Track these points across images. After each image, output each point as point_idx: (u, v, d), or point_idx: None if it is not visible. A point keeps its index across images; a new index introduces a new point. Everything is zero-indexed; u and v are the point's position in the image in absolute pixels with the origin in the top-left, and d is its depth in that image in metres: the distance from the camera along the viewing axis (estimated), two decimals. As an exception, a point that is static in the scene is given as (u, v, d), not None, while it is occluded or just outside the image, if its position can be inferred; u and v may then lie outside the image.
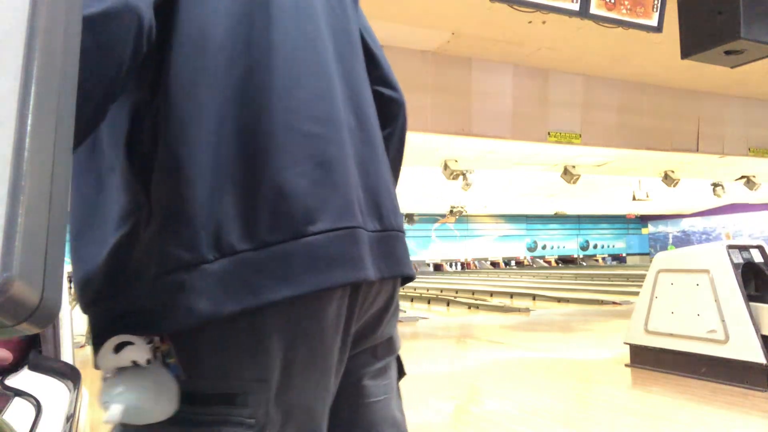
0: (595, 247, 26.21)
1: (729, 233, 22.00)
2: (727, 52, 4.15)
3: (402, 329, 7.06)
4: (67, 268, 0.67)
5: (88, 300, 0.69)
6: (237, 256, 0.65)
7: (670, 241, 24.74)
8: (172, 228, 0.65)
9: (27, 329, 0.48)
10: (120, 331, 0.64)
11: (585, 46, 6.47)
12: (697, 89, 8.27)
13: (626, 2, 4.44)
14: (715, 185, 11.68)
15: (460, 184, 9.07)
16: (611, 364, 4.58)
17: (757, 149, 9.11)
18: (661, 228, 25.50)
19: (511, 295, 10.57)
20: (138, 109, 0.68)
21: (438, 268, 22.85)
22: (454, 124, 6.85)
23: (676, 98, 8.22)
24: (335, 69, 0.78)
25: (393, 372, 0.89)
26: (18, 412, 0.88)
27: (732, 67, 4.48)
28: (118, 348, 0.62)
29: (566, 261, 25.39)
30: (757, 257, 4.09)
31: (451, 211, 16.99)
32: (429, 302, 9.96)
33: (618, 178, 11.47)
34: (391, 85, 0.95)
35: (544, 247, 25.23)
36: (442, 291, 11.91)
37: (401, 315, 7.57)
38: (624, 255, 26.73)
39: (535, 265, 24.49)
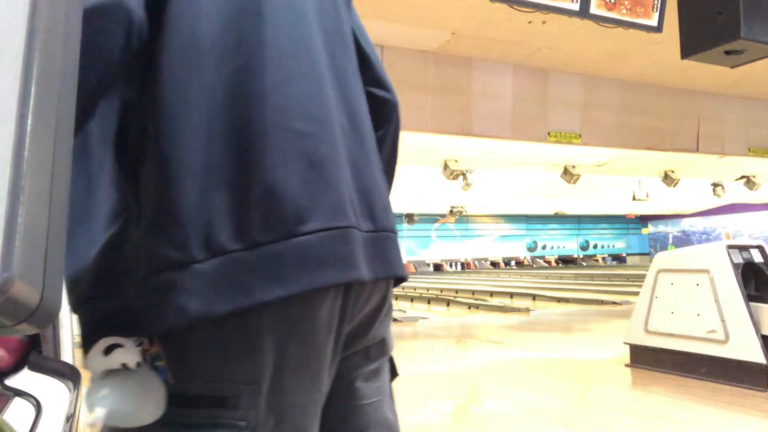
0: (595, 247, 26.21)
1: (729, 233, 22.00)
2: (727, 52, 4.15)
3: (402, 329, 7.10)
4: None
5: (77, 300, 0.68)
6: (228, 255, 0.64)
7: (670, 241, 24.73)
8: (162, 227, 0.64)
9: (27, 329, 0.48)
10: (110, 332, 0.63)
11: (585, 46, 6.47)
12: (697, 89, 8.27)
13: (626, 2, 4.44)
14: (715, 185, 11.68)
15: (460, 184, 9.07)
16: (611, 364, 4.58)
17: (757, 149, 9.11)
18: (661, 228, 25.50)
19: (511, 295, 10.57)
20: (128, 108, 0.68)
21: (438, 268, 22.84)
22: (454, 124, 6.85)
23: (676, 98, 8.22)
24: (327, 69, 0.77)
25: (386, 373, 0.88)
26: (18, 412, 0.88)
27: (732, 67, 4.48)
28: (108, 350, 0.61)
29: (566, 261, 25.38)
30: (757, 257, 4.09)
31: (451, 211, 16.99)
32: (429, 302, 9.96)
33: (618, 178, 11.48)
34: (383, 85, 0.94)
35: (544, 247, 25.23)
36: (442, 291, 11.91)
37: (401, 315, 7.57)
38: (624, 255, 26.73)
39: (535, 265, 24.48)
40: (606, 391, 3.89)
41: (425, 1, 5.30)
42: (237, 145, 0.67)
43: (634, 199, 13.70)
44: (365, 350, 0.84)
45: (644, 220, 26.07)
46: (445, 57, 6.66)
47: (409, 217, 21.00)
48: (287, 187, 0.67)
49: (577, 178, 9.41)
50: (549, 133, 7.43)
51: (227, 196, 0.66)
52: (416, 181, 10.84)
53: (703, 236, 23.06)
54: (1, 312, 0.44)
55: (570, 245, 25.75)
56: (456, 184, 9.15)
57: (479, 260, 23.90)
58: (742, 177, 10.99)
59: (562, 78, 7.43)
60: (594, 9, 4.31)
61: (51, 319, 0.50)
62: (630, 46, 6.36)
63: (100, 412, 0.59)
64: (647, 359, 4.26)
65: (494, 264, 24.06)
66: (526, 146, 7.76)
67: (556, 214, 22.04)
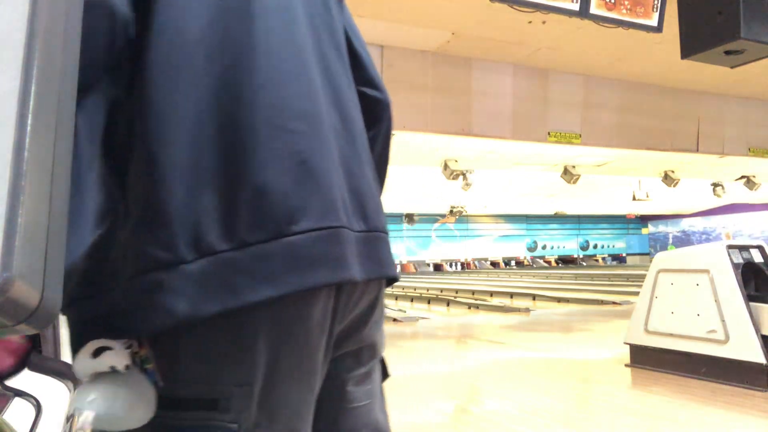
0: (595, 247, 26.21)
1: (729, 233, 21.99)
2: (727, 52, 4.15)
3: (402, 329, 7.10)
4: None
5: (65, 301, 0.68)
6: (217, 255, 0.63)
7: (670, 241, 24.73)
8: (149, 227, 0.64)
9: (26, 329, 0.48)
10: (98, 334, 0.62)
11: (585, 46, 6.47)
12: (697, 89, 8.27)
13: (626, 2, 4.44)
14: (715, 185, 11.68)
15: (460, 184, 9.07)
16: (611, 364, 4.58)
17: (757, 149, 9.11)
18: (661, 228, 25.49)
19: (511, 295, 10.56)
20: (115, 106, 0.67)
21: (438, 268, 22.84)
22: (454, 124, 6.85)
23: (676, 98, 8.22)
24: (317, 68, 0.77)
25: (377, 375, 0.88)
26: (18, 412, 0.88)
27: (732, 67, 4.48)
28: (97, 353, 0.60)
29: (566, 261, 25.38)
30: (757, 257, 4.09)
31: (451, 211, 16.98)
32: (429, 302, 9.96)
33: (618, 178, 11.47)
34: (375, 85, 0.94)
35: (544, 247, 25.23)
36: (442, 291, 11.91)
37: (401, 315, 7.57)
38: (624, 255, 26.72)
39: (535, 265, 24.48)
40: (606, 391, 3.89)
41: (425, 1, 5.30)
42: (226, 144, 0.66)
43: (634, 199, 13.70)
44: (357, 352, 0.83)
45: (644, 220, 26.07)
46: (445, 57, 6.66)
47: (409, 217, 20.98)
48: (277, 187, 0.66)
49: (577, 178, 9.41)
50: (549, 133, 7.43)
51: (216, 196, 0.65)
52: (416, 181, 10.84)
53: (703, 236, 23.06)
54: (1, 312, 0.44)
55: (570, 245, 25.75)
56: (456, 184, 9.14)
57: (479, 260, 23.90)
58: (742, 177, 10.99)
59: (562, 78, 7.43)
60: (594, 9, 4.31)
61: (51, 319, 0.50)
62: (630, 46, 6.36)
63: (88, 416, 0.58)
64: (647, 359, 4.26)
65: (494, 264, 24.05)
66: (526, 146, 7.76)
67: (556, 214, 22.03)
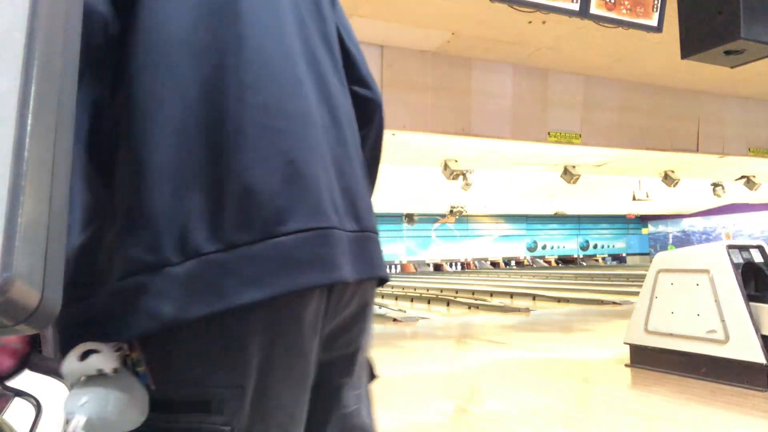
0: (595, 247, 26.20)
1: (729, 233, 21.99)
2: (727, 52, 4.15)
3: (402, 329, 7.10)
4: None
5: None
6: (203, 257, 0.62)
7: (670, 241, 24.73)
8: (134, 230, 0.63)
9: (26, 329, 0.48)
10: (86, 337, 0.61)
11: (585, 46, 6.46)
12: (697, 89, 8.27)
13: (626, 2, 4.44)
14: (715, 185, 11.68)
15: (460, 184, 9.07)
16: (611, 364, 4.58)
17: (757, 149, 9.11)
18: (661, 228, 25.49)
19: (511, 295, 10.56)
20: (99, 107, 0.67)
21: (438, 268, 22.84)
22: (454, 124, 6.85)
23: (676, 98, 8.22)
24: (306, 67, 0.76)
25: (365, 378, 0.88)
26: (18, 412, 0.88)
27: (732, 67, 4.48)
28: (84, 356, 0.59)
29: (566, 261, 25.38)
30: (757, 257, 4.09)
31: (451, 211, 16.98)
32: (429, 302, 9.96)
33: (618, 178, 11.47)
34: (366, 84, 0.92)
35: (544, 247, 25.23)
36: (442, 291, 11.91)
37: (401, 315, 7.58)
38: (624, 255, 26.72)
39: (535, 265, 24.48)
40: (606, 391, 3.89)
41: (425, 1, 5.30)
42: (212, 144, 0.65)
43: (634, 199, 13.70)
44: (349, 356, 0.82)
45: (644, 220, 26.07)
46: (445, 57, 6.66)
47: (409, 217, 20.97)
48: (264, 187, 0.65)
49: (577, 178, 9.41)
50: (549, 133, 7.43)
51: (202, 197, 0.64)
52: (416, 181, 10.84)
53: (703, 236, 23.06)
54: (1, 312, 0.44)
55: (570, 245, 25.75)
56: (456, 184, 9.14)
57: (479, 260, 23.90)
58: (742, 177, 10.99)
59: (562, 78, 7.43)
60: (594, 9, 4.31)
61: (51, 319, 0.50)
62: (630, 46, 6.36)
63: (80, 420, 0.57)
64: (647, 359, 4.26)
65: (494, 264, 24.05)
66: (526, 146, 7.76)
67: (556, 214, 22.03)
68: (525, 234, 24.77)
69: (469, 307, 9.01)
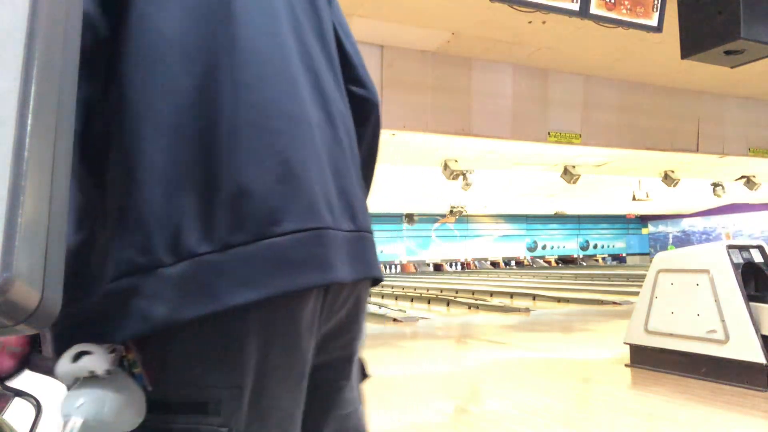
0: (595, 247, 26.21)
1: (729, 233, 22.00)
2: (727, 52, 4.15)
3: (402, 329, 7.09)
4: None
5: None
6: (196, 258, 0.62)
7: (670, 241, 24.73)
8: (126, 231, 0.63)
9: (26, 329, 0.48)
10: (80, 339, 0.61)
11: (585, 46, 6.47)
12: (697, 89, 8.27)
13: (626, 2, 4.44)
14: (715, 185, 11.68)
15: (460, 184, 9.07)
16: (611, 364, 4.58)
17: (757, 149, 9.12)
18: (661, 228, 25.50)
19: (511, 295, 10.56)
20: (91, 108, 0.66)
21: (438, 268, 22.84)
22: (454, 124, 6.85)
23: (676, 98, 8.22)
24: (301, 67, 0.75)
25: (357, 380, 0.88)
26: (18, 412, 0.88)
27: (732, 67, 4.48)
28: (77, 357, 0.59)
29: (566, 261, 25.38)
30: (757, 257, 4.09)
31: (451, 211, 16.98)
32: (429, 302, 9.96)
33: (618, 178, 11.48)
34: (363, 84, 0.92)
35: (544, 247, 25.23)
36: (442, 291, 11.91)
37: (401, 315, 7.58)
38: (624, 255, 26.73)
39: (535, 265, 24.48)
40: (606, 391, 3.89)
41: (425, 1, 5.30)
42: (206, 145, 0.65)
43: (634, 199, 13.70)
44: (348, 358, 0.83)
45: (644, 220, 26.07)
46: (445, 57, 6.66)
47: (409, 217, 20.97)
48: (258, 187, 0.65)
49: (577, 178, 9.41)
50: (549, 133, 7.43)
51: (196, 197, 0.63)
52: (416, 181, 10.84)
53: (703, 236, 23.06)
54: (1, 312, 0.44)
55: (570, 245, 25.75)
56: (456, 184, 9.15)
57: (479, 260, 23.90)
58: (742, 177, 10.99)
59: (562, 78, 7.43)
60: (594, 9, 4.31)
61: (51, 319, 0.50)
62: (630, 46, 6.36)
63: (77, 422, 0.57)
64: (647, 359, 4.26)
65: (494, 264, 24.05)
66: (526, 146, 7.76)
67: (556, 214, 22.03)
68: (525, 234, 24.77)
69: (469, 307, 9.01)
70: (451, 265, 23.24)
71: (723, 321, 3.81)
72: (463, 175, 8.81)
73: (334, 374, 0.81)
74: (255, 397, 0.66)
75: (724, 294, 3.85)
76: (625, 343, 4.46)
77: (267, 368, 0.67)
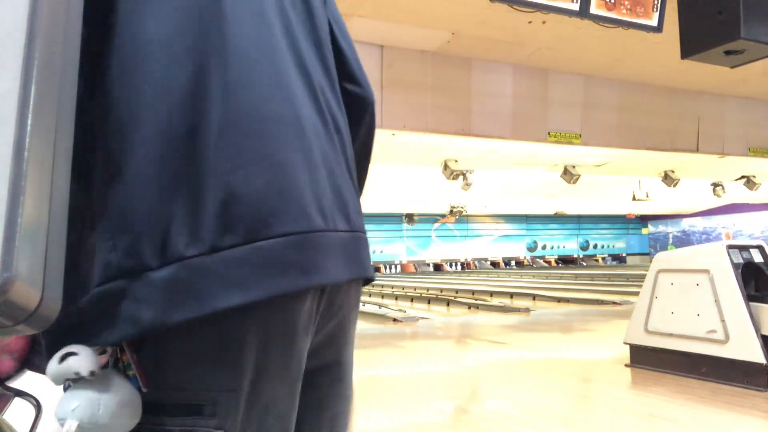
0: (595, 247, 26.21)
1: (729, 233, 22.00)
2: (727, 52, 4.15)
3: (402, 329, 7.09)
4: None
5: None
6: (184, 262, 0.61)
7: (670, 241, 24.73)
8: (114, 234, 0.62)
9: (26, 329, 0.48)
10: (71, 342, 0.61)
11: (585, 46, 6.47)
12: (697, 89, 8.28)
13: (626, 2, 4.44)
14: (715, 185, 11.69)
15: (460, 184, 9.07)
16: (611, 364, 4.58)
17: (757, 149, 9.12)
18: (661, 228, 25.50)
19: (511, 295, 10.56)
20: (78, 111, 0.65)
21: (438, 268, 22.84)
22: (454, 124, 6.85)
23: (676, 98, 8.22)
24: (293, 67, 0.74)
25: (351, 379, 0.88)
26: (18, 412, 0.88)
27: (732, 67, 4.48)
28: (63, 358, 0.59)
29: (566, 261, 25.38)
30: (757, 257, 4.09)
31: (451, 211, 16.98)
32: (429, 302, 9.96)
33: (618, 178, 11.48)
34: (357, 81, 0.91)
35: (544, 247, 25.23)
36: (442, 291, 11.91)
37: (401, 315, 7.57)
38: (624, 255, 26.72)
39: (535, 265, 24.48)
40: (606, 391, 3.89)
41: (425, 1, 5.30)
42: (195, 147, 0.64)
43: (634, 199, 13.71)
44: (342, 359, 0.83)
45: (644, 220, 26.07)
46: (445, 57, 6.66)
47: (409, 217, 20.97)
48: (248, 190, 0.64)
49: (577, 178, 9.41)
50: (549, 133, 7.44)
51: (184, 200, 0.63)
52: (416, 181, 10.85)
53: (703, 236, 23.06)
54: (1, 312, 0.44)
55: (570, 245, 25.75)
56: (456, 184, 9.15)
57: (479, 260, 23.90)
58: (742, 177, 10.99)
59: (562, 78, 7.43)
60: (594, 9, 4.31)
61: (50, 319, 0.50)
62: (630, 46, 6.37)
63: (71, 426, 0.57)
64: (647, 359, 4.26)
65: (494, 264, 24.05)
66: (526, 146, 7.77)
67: (556, 214, 22.04)
68: (525, 234, 24.77)
69: (469, 307, 9.01)
70: (451, 265, 23.25)
71: (723, 321, 3.81)
72: (463, 175, 8.81)
73: (328, 375, 0.81)
74: (251, 399, 0.66)
75: (724, 294, 3.85)
76: (625, 343, 4.46)
77: (264, 370, 0.66)
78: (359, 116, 0.91)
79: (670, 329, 4.11)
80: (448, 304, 9.56)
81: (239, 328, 0.64)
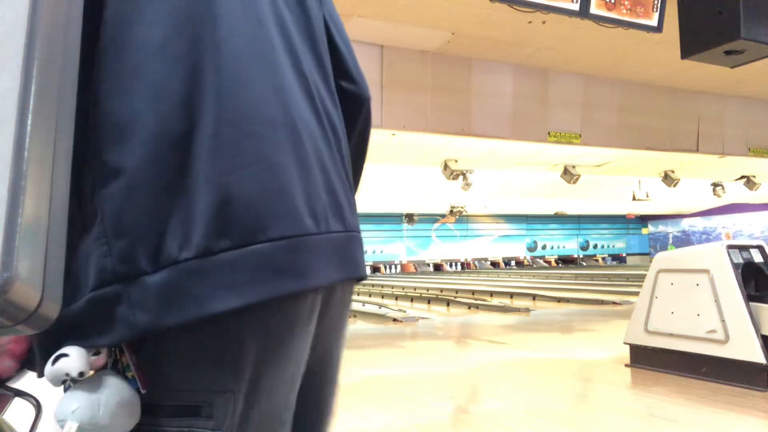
0: (595, 247, 26.21)
1: (729, 233, 22.00)
2: (727, 52, 4.15)
3: (402, 329, 7.09)
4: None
5: None
6: (178, 265, 0.61)
7: (670, 241, 24.73)
8: (108, 239, 0.62)
9: (26, 330, 0.48)
10: (62, 346, 0.61)
11: (585, 46, 6.47)
12: (697, 89, 8.28)
13: (626, 2, 4.45)
14: (715, 185, 11.69)
15: (460, 184, 9.07)
16: (611, 364, 4.58)
17: (757, 149, 9.12)
18: (661, 228, 25.50)
19: (511, 295, 10.56)
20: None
21: (438, 268, 22.84)
22: (454, 124, 6.85)
23: (676, 98, 8.22)
24: (288, 66, 0.74)
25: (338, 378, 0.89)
26: (18, 412, 0.88)
27: (732, 67, 4.48)
28: (55, 360, 0.59)
29: (566, 261, 25.38)
30: (757, 257, 4.09)
31: (451, 211, 16.99)
32: (429, 302, 9.96)
33: (618, 178, 11.48)
34: (352, 78, 0.90)
35: (544, 247, 25.23)
36: (442, 291, 11.91)
37: (401, 315, 7.57)
38: (624, 255, 26.73)
39: (535, 265, 24.48)
40: (606, 391, 3.89)
41: (425, 1, 5.30)
42: (189, 151, 0.64)
43: (634, 199, 13.71)
44: (335, 357, 0.84)
45: (644, 220, 26.07)
46: (445, 57, 6.66)
47: (409, 217, 20.97)
48: (242, 193, 0.64)
49: (577, 178, 9.41)
50: (549, 133, 7.44)
51: (178, 204, 0.63)
52: (416, 181, 10.85)
53: (703, 236, 23.06)
54: (1, 312, 0.44)
55: (570, 245, 25.75)
56: (456, 184, 9.15)
57: (479, 260, 23.90)
58: (742, 177, 11.00)
59: (562, 78, 7.43)
60: (594, 9, 4.31)
61: (50, 320, 0.50)
62: (630, 46, 6.37)
63: (71, 428, 0.57)
64: (647, 359, 4.26)
65: (494, 264, 24.05)
66: (526, 146, 7.77)
67: (556, 214, 22.04)
68: (525, 234, 24.77)
69: (469, 307, 9.01)
70: (451, 265, 23.25)
71: (723, 321, 3.81)
72: (463, 175, 8.81)
73: (321, 373, 0.82)
74: (249, 399, 0.66)
75: (724, 294, 3.85)
76: (625, 343, 4.46)
77: (263, 371, 0.67)
78: (355, 114, 0.91)
79: (670, 329, 4.11)
80: (448, 304, 9.55)
81: (239, 329, 0.64)
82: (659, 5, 4.55)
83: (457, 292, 11.46)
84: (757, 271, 4.07)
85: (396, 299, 10.20)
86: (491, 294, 10.93)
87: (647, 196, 13.39)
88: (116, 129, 0.63)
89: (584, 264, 24.90)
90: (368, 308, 8.21)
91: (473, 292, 11.41)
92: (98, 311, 0.61)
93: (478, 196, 13.34)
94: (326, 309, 0.76)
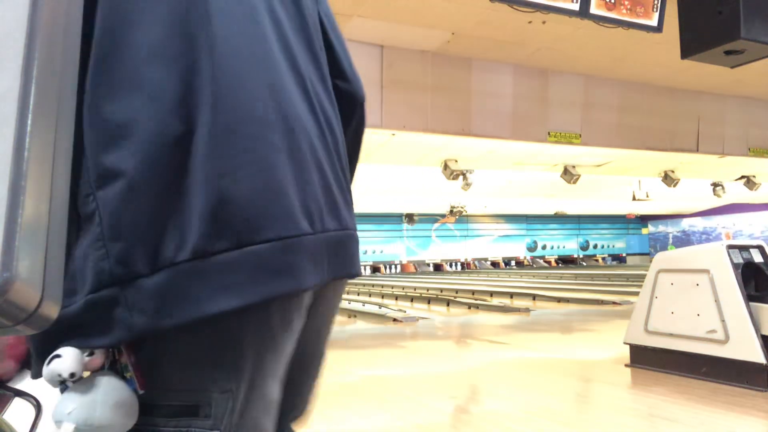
0: (595, 247, 26.20)
1: (729, 233, 22.00)
2: (727, 52, 4.15)
3: (402, 329, 7.09)
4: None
5: None
6: (176, 266, 0.62)
7: (670, 241, 24.73)
8: (104, 242, 0.62)
9: (26, 330, 0.48)
10: (57, 347, 0.61)
11: (585, 46, 6.47)
12: (697, 89, 8.28)
13: (626, 2, 4.45)
14: (715, 185, 11.69)
15: (460, 184, 9.07)
16: (611, 364, 4.58)
17: (757, 149, 9.12)
18: (661, 228, 25.49)
19: (511, 295, 10.56)
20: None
21: (438, 268, 22.84)
22: (454, 124, 6.85)
23: (676, 98, 8.22)
24: (284, 66, 0.74)
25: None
26: (18, 412, 0.88)
27: (732, 67, 4.48)
28: (50, 360, 0.59)
29: (566, 261, 25.38)
30: (757, 257, 4.09)
31: (451, 211, 16.99)
32: (429, 302, 9.95)
33: (618, 178, 11.48)
34: (346, 77, 0.91)
35: (544, 247, 25.23)
36: (442, 291, 11.91)
37: (401, 315, 7.57)
38: (624, 255, 26.72)
39: (535, 265, 24.48)
40: (606, 391, 3.89)
41: (425, 1, 5.30)
42: (185, 153, 0.64)
43: (634, 199, 13.71)
44: (321, 353, 0.86)
45: (644, 220, 26.07)
46: (445, 57, 6.66)
47: (409, 217, 20.97)
48: (238, 195, 0.64)
49: (577, 178, 9.41)
50: (549, 133, 7.44)
51: (175, 206, 0.63)
52: (416, 181, 10.85)
53: (703, 236, 23.06)
54: (1, 312, 0.44)
55: (570, 245, 25.75)
56: (456, 184, 9.15)
57: (479, 260, 23.90)
58: (742, 177, 10.99)
59: (562, 78, 7.43)
60: (594, 9, 4.31)
61: (50, 320, 0.50)
62: (630, 46, 6.37)
63: (68, 429, 0.57)
64: (647, 359, 4.26)
65: (494, 264, 24.05)
66: (526, 146, 7.77)
67: (556, 214, 22.04)
68: (525, 234, 24.77)
69: (469, 307, 9.00)
70: (451, 265, 23.24)
71: (723, 321, 3.80)
72: (463, 175, 8.81)
73: (308, 368, 0.84)
74: (248, 398, 0.67)
75: (724, 294, 3.85)
76: (625, 343, 4.46)
77: (261, 369, 0.68)
78: (350, 113, 0.92)
79: (670, 329, 4.11)
80: (448, 304, 9.55)
81: (239, 329, 0.65)
82: (659, 5, 4.55)
83: (457, 292, 11.46)
84: (757, 271, 4.07)
85: (396, 299, 10.20)
86: (491, 294, 10.93)
87: (647, 196, 13.39)
88: (114, 131, 0.63)
89: (584, 264, 24.90)
90: (368, 308, 8.21)
91: (473, 292, 11.41)
92: (96, 314, 0.61)
93: (478, 196, 13.34)
94: (317, 303, 0.77)
